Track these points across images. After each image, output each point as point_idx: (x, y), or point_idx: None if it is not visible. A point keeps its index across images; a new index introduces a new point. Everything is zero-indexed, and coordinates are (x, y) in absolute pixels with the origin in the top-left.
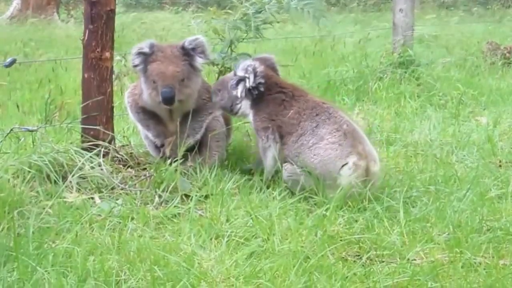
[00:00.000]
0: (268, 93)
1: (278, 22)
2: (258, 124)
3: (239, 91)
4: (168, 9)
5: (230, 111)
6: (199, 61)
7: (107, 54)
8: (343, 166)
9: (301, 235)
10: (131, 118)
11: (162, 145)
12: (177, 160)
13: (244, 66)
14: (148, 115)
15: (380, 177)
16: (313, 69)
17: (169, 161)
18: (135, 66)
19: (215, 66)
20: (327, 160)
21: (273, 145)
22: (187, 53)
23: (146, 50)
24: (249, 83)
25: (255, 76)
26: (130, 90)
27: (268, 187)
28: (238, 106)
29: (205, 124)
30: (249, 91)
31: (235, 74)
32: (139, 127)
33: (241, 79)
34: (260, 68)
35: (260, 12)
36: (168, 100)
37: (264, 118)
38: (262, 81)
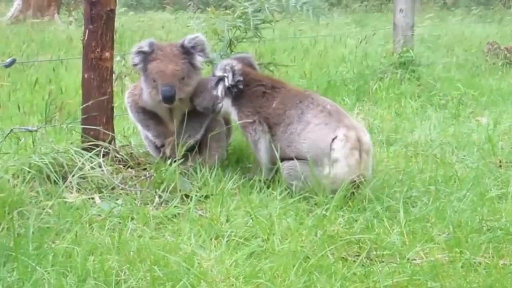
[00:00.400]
0: (248, 89)
1: (277, 21)
2: (243, 119)
3: (219, 90)
4: (169, 9)
5: (212, 111)
6: (198, 59)
7: (107, 54)
8: (333, 140)
9: (301, 235)
10: (131, 119)
11: (162, 145)
12: (177, 160)
13: (222, 65)
14: (148, 115)
15: (374, 154)
16: (313, 70)
17: (169, 161)
18: (135, 65)
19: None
20: (317, 140)
21: (263, 136)
22: (187, 52)
23: (146, 49)
24: (228, 81)
25: (233, 74)
26: (130, 91)
27: (268, 187)
28: (220, 105)
29: (205, 124)
30: (228, 90)
31: (213, 75)
32: (139, 127)
33: (220, 79)
34: (238, 66)
35: (259, 11)
36: (168, 98)
37: (249, 112)
38: (241, 78)
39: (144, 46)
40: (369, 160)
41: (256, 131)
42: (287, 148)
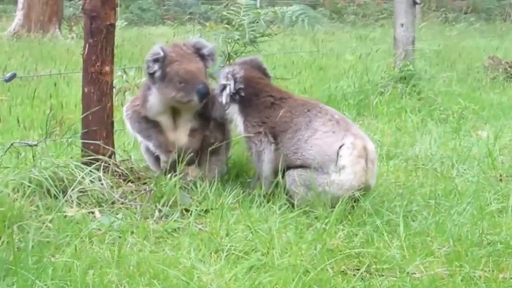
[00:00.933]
0: (257, 98)
1: (275, 34)
2: (249, 131)
3: (223, 97)
4: (170, 24)
5: (224, 119)
6: (209, 65)
7: (107, 69)
8: (340, 147)
9: (300, 249)
10: (130, 131)
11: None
12: (177, 174)
13: (224, 73)
14: (150, 124)
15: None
16: (314, 84)
17: (169, 175)
18: (152, 73)
19: (213, 80)
20: (324, 146)
21: (268, 147)
22: (201, 55)
23: (161, 54)
24: (230, 89)
25: (235, 81)
26: (129, 104)
27: (268, 201)
28: (227, 112)
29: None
30: (232, 97)
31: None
32: (139, 138)
33: (224, 86)
34: (240, 74)
35: (255, 22)
36: (205, 95)
37: (255, 123)
38: (242, 86)
39: (159, 52)
40: (374, 169)
41: (261, 142)
42: (293, 155)
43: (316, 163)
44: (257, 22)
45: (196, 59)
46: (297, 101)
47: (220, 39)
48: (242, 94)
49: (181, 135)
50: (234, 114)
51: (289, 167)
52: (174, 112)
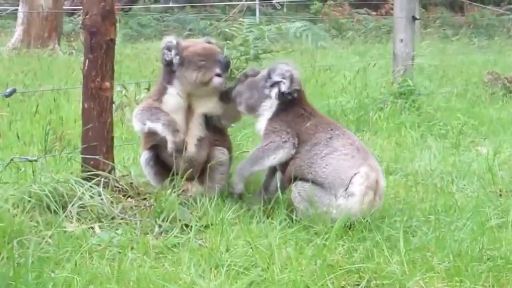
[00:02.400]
0: (292, 106)
1: (278, 52)
2: (275, 127)
3: (273, 93)
4: None
5: (253, 110)
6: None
7: (107, 84)
8: (355, 174)
9: (301, 265)
10: (138, 126)
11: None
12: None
13: (281, 70)
14: (159, 109)
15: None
16: (313, 100)
17: (169, 191)
18: (169, 61)
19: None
20: (339, 169)
21: (289, 148)
22: None
23: (174, 42)
24: (285, 87)
25: (291, 81)
26: (143, 101)
27: (268, 217)
28: (264, 105)
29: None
30: (282, 95)
31: (269, 77)
32: (148, 124)
33: (276, 82)
34: (297, 75)
35: (259, 39)
36: (227, 63)
37: (283, 123)
38: (298, 88)
39: (171, 40)
40: (380, 204)
41: (288, 138)
42: (307, 169)
43: (327, 182)
44: (261, 39)
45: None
46: (324, 119)
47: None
48: (295, 95)
49: (189, 143)
50: (266, 110)
51: (296, 178)
52: (187, 115)
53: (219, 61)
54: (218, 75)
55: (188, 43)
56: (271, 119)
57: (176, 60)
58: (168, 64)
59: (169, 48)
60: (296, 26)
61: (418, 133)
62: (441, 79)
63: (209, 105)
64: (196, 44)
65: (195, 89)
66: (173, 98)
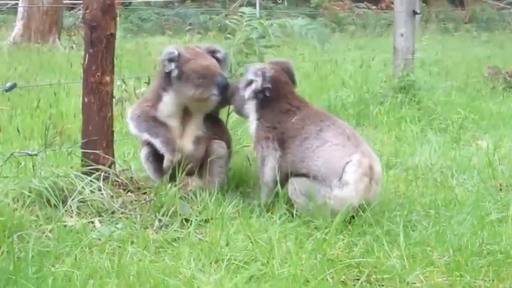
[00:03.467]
0: (276, 101)
1: (278, 47)
2: (260, 133)
3: (247, 92)
4: (169, 33)
5: (241, 112)
6: (222, 69)
7: (107, 78)
8: (347, 163)
9: (300, 259)
10: (135, 131)
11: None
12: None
13: (254, 69)
14: (158, 123)
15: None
16: (313, 94)
17: (169, 185)
18: (169, 72)
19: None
20: (331, 160)
21: (272, 154)
22: (215, 58)
23: (176, 53)
24: (257, 86)
25: (263, 79)
26: (136, 105)
27: (268, 211)
28: (246, 107)
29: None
30: (256, 94)
31: (245, 77)
32: (145, 136)
33: (251, 82)
34: (270, 73)
35: (264, 37)
36: (225, 86)
37: (267, 127)
38: (269, 85)
39: (173, 51)
40: (378, 189)
41: (268, 147)
42: (300, 163)
43: (320, 174)
44: (264, 37)
45: (210, 57)
46: (312, 111)
47: (231, 50)
48: (267, 93)
49: (186, 142)
50: (251, 111)
51: (292, 174)
52: (183, 116)
53: (217, 84)
54: (215, 95)
55: (189, 55)
56: (259, 120)
57: (174, 73)
58: (167, 75)
59: (170, 60)
60: (300, 24)
61: (418, 127)
62: (442, 74)
63: (205, 109)
64: (197, 58)
65: (190, 102)
66: (168, 107)
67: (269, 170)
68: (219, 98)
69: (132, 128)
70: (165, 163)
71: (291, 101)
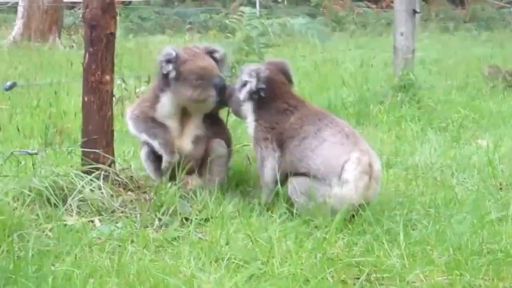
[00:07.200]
0: (273, 102)
1: (278, 46)
2: (258, 134)
3: (242, 94)
4: (169, 32)
5: (239, 114)
6: (220, 69)
7: (107, 78)
8: (346, 161)
9: (300, 258)
10: (133, 132)
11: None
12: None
13: (249, 70)
14: (157, 124)
15: (381, 182)
16: (313, 93)
17: (169, 184)
18: (166, 74)
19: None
20: (330, 158)
21: (272, 155)
22: (213, 58)
23: (173, 55)
24: (251, 87)
25: (257, 80)
26: (135, 105)
27: (268, 210)
28: (243, 108)
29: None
30: (251, 95)
31: (240, 78)
32: (144, 137)
33: (245, 83)
34: (264, 73)
35: (264, 36)
36: (223, 88)
37: (265, 128)
38: (263, 86)
39: (171, 52)
40: (377, 187)
41: (267, 148)
42: (299, 163)
43: (320, 173)
44: (265, 36)
45: (208, 58)
46: (310, 110)
47: (231, 49)
48: (262, 94)
49: (186, 142)
50: (248, 112)
51: (292, 174)
52: (182, 116)
53: (214, 85)
54: (213, 96)
55: (187, 56)
56: (257, 121)
57: (172, 74)
58: (165, 76)
59: (168, 61)
60: (300, 23)
61: (418, 126)
62: (442, 73)
63: (204, 110)
64: (195, 59)
65: (188, 103)
66: (166, 108)
67: (269, 171)
68: (217, 99)
69: (130, 127)
70: (164, 164)
71: (288, 101)
